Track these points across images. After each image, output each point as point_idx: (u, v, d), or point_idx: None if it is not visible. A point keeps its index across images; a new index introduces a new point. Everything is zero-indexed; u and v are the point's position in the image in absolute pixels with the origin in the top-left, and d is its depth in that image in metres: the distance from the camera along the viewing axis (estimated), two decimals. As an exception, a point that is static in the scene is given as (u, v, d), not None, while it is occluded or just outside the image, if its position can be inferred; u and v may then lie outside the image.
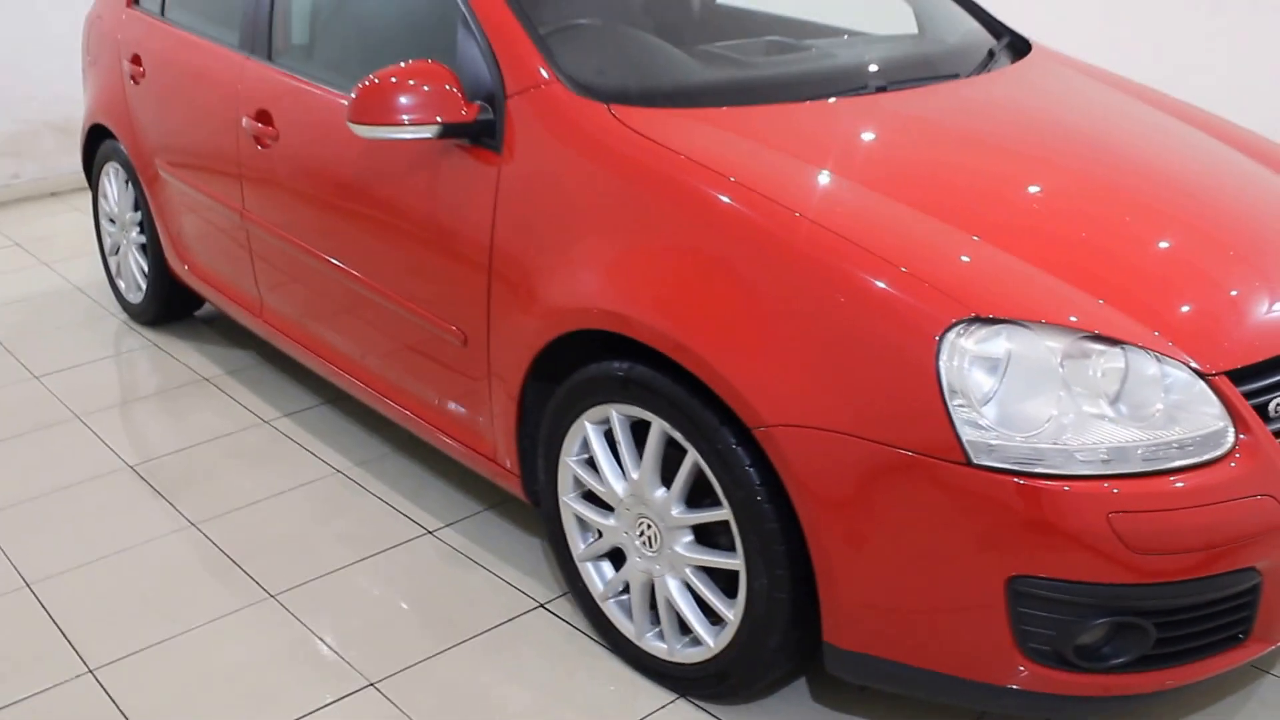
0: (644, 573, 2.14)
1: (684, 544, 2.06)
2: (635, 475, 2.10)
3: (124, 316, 4.11)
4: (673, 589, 2.10)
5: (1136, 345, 1.74)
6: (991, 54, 2.71)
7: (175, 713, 2.17)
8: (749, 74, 2.51)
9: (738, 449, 1.89)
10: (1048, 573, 1.69)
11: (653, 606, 2.18)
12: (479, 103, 2.28)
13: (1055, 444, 1.69)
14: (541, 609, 2.44)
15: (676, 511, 2.04)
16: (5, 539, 2.76)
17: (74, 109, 5.63)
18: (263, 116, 2.93)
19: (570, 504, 2.26)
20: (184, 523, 2.80)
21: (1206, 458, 1.71)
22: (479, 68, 2.31)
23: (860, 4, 3.14)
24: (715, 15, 3.24)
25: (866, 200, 1.96)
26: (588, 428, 2.16)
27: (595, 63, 2.37)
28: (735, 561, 1.97)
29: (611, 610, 2.26)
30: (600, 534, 2.24)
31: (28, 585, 2.58)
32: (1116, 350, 1.73)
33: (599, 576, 2.28)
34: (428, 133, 2.27)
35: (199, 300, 3.97)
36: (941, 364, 1.70)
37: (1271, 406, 1.79)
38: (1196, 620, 1.76)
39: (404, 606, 2.46)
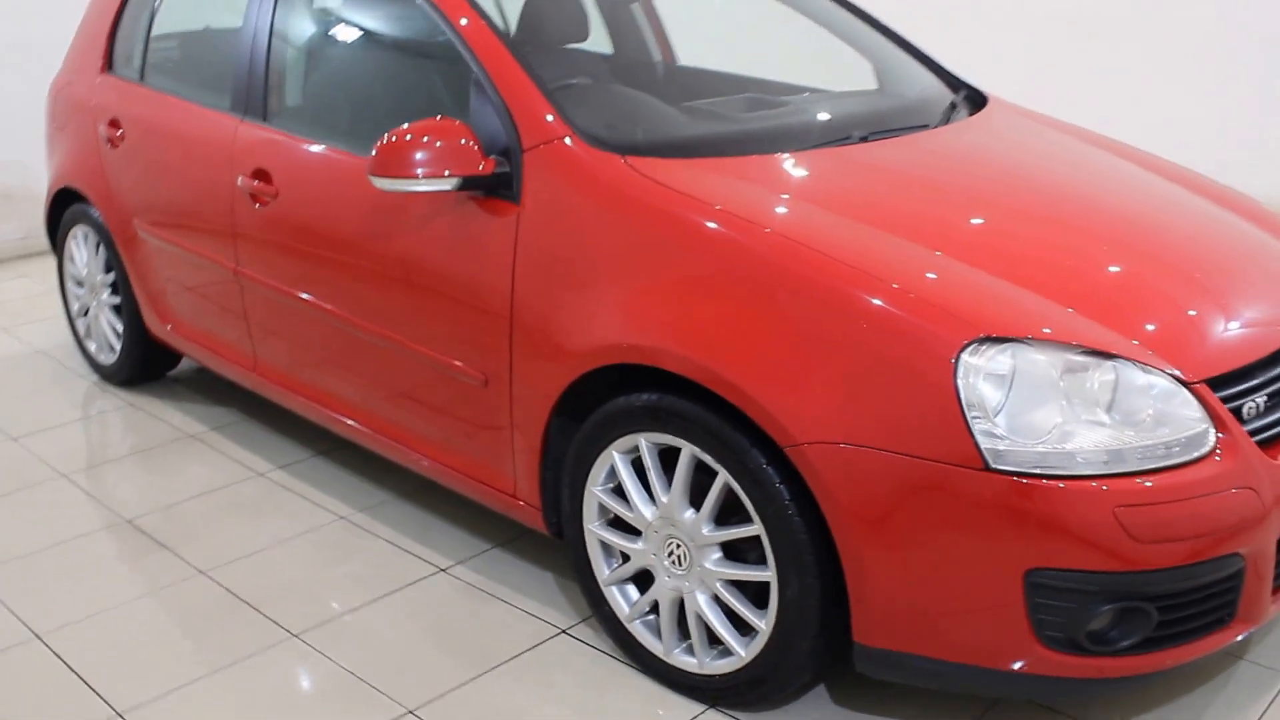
0: (674, 590, 2.28)
1: (713, 560, 2.20)
2: (665, 499, 2.24)
3: (94, 378, 4.12)
4: (702, 603, 2.23)
5: (1126, 358, 1.95)
6: (954, 105, 2.96)
7: (220, 750, 2.23)
8: (745, 127, 2.71)
9: (768, 468, 2.04)
10: (1062, 564, 1.87)
11: (679, 623, 2.31)
12: (495, 156, 2.43)
13: (1060, 449, 1.88)
14: (564, 635, 2.55)
15: (707, 530, 2.19)
16: (6, 594, 2.77)
17: (13, 176, 5.62)
18: (260, 175, 3.03)
19: (596, 531, 2.39)
20: (192, 571, 2.85)
21: (1192, 456, 1.92)
22: (493, 124, 2.46)
23: (825, 62, 3.39)
24: (689, 75, 3.46)
25: (873, 236, 2.16)
26: (615, 457, 2.29)
27: (601, 118, 2.54)
28: (767, 573, 2.11)
29: (638, 630, 2.38)
30: (624, 559, 2.37)
31: (38, 637, 2.60)
32: (1109, 364, 1.94)
33: (624, 599, 2.40)
34: (447, 185, 2.41)
35: (174, 360, 4.02)
36: (959, 381, 1.89)
37: (1245, 410, 2.01)
38: (1191, 603, 1.96)
39: (429, 639, 2.55)
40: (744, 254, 2.10)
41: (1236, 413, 2.00)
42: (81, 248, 4.02)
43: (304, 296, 2.96)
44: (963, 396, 1.89)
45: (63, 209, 4.09)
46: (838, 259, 2.05)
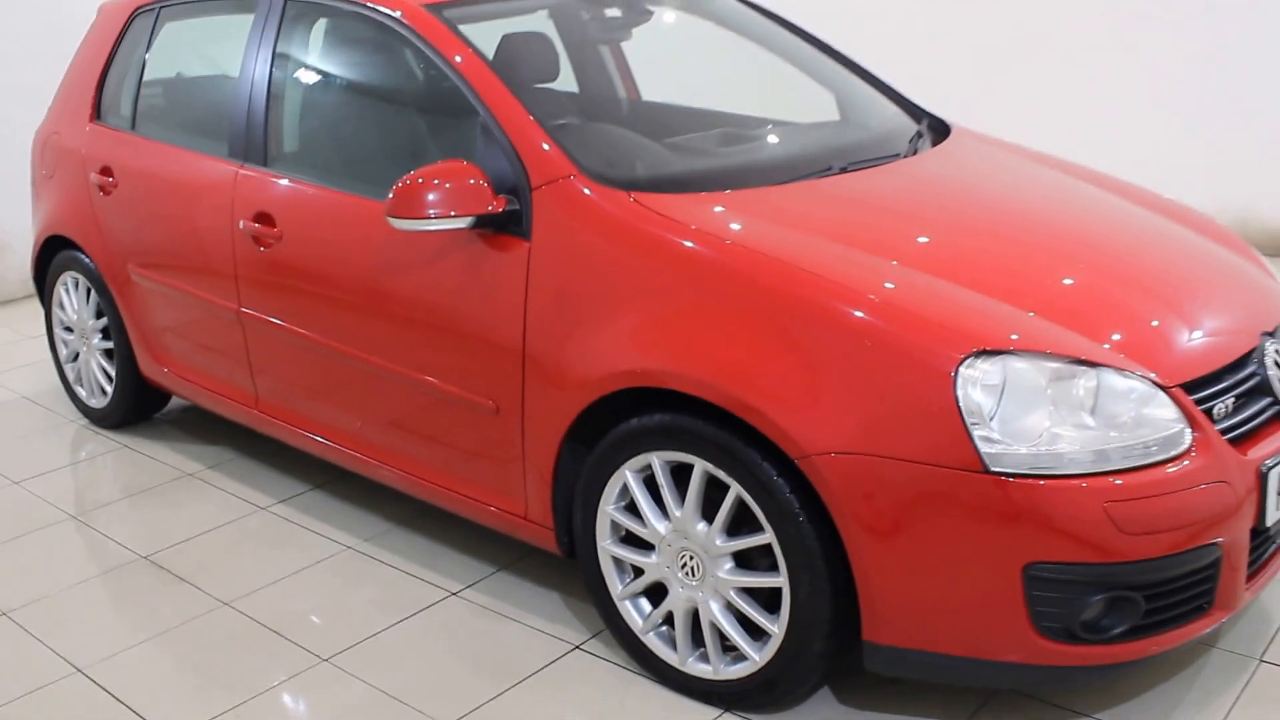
0: (688, 601, 2.41)
1: (726, 569, 2.34)
2: (678, 513, 2.37)
3: (83, 422, 4.18)
4: (716, 611, 2.36)
5: (1107, 366, 2.12)
6: (920, 134, 3.14)
7: (260, 771, 2.32)
8: (737, 161, 2.87)
9: (779, 479, 2.19)
10: (1057, 557, 2.03)
11: (693, 632, 2.44)
12: (505, 195, 2.57)
13: (1051, 450, 2.05)
14: (578, 650, 2.66)
15: (720, 541, 2.32)
16: (40, 631, 2.84)
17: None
18: (262, 218, 3.14)
19: (609, 548, 2.51)
20: (216, 602, 2.93)
21: (1170, 454, 2.09)
22: (501, 164, 2.60)
23: (786, 94, 3.56)
24: (661, 112, 3.62)
25: (869, 260, 2.32)
26: (628, 476, 2.42)
27: (601, 156, 2.69)
28: (778, 579, 2.25)
29: (652, 642, 2.50)
30: (636, 573, 2.50)
31: (80, 670, 2.67)
32: (1091, 371, 2.11)
33: (638, 612, 2.52)
34: (462, 224, 2.54)
35: (162, 402, 4.09)
36: (958, 391, 2.05)
37: (1216, 410, 2.19)
38: (1174, 591, 2.12)
39: (452, 659, 2.66)
40: (752, 281, 2.25)
41: (1208, 413, 2.18)
42: (71, 294, 4.08)
43: (310, 333, 3.06)
44: (962, 405, 2.05)
45: (50, 256, 4.15)
46: (840, 283, 2.21)
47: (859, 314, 2.16)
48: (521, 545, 3.04)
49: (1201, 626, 2.20)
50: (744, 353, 2.21)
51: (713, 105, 3.54)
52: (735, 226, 2.41)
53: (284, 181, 3.13)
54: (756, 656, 2.33)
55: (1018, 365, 2.09)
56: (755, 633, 2.35)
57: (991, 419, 2.06)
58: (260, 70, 3.25)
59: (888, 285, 2.22)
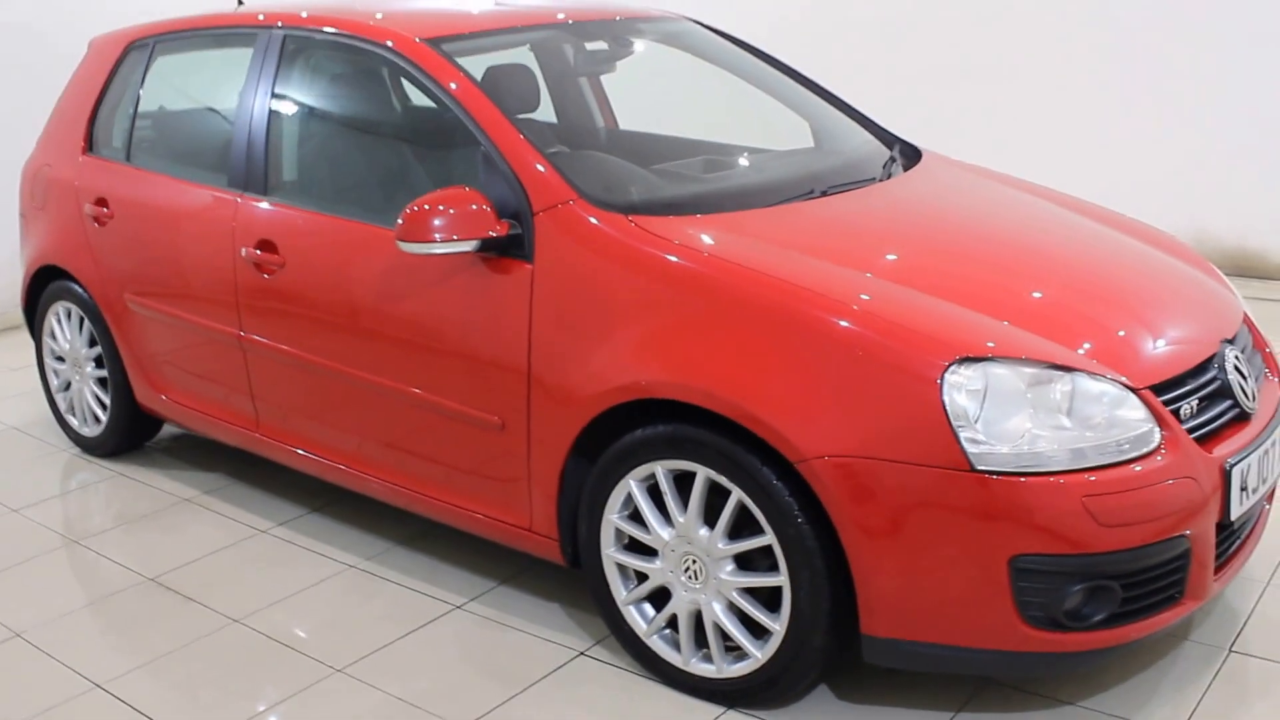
0: (691, 603, 2.52)
1: (728, 571, 2.46)
2: (681, 519, 2.49)
3: (74, 450, 4.23)
4: (719, 612, 2.48)
5: (1081, 371, 2.28)
6: (893, 159, 3.31)
7: (283, 776, 2.41)
8: (726, 186, 3.02)
9: (779, 483, 2.32)
10: (1040, 550, 2.18)
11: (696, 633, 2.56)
12: (507, 220, 2.69)
13: (1032, 449, 2.20)
14: (583, 656, 2.77)
15: (722, 544, 2.45)
16: (55, 650, 2.91)
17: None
18: (265, 246, 3.24)
19: (613, 556, 2.63)
20: (226, 620, 3.01)
21: (1141, 452, 2.25)
22: (503, 190, 2.73)
23: (763, 121, 3.73)
24: (642, 140, 3.77)
25: (858, 276, 2.48)
26: (632, 485, 2.54)
27: (597, 181, 2.82)
28: (779, 579, 2.38)
29: (656, 644, 2.62)
30: (640, 579, 2.61)
31: (99, 686, 2.74)
32: (1067, 376, 2.27)
33: (642, 617, 2.64)
34: (467, 247, 2.66)
35: (155, 429, 4.15)
36: (944, 396, 2.20)
37: (1182, 411, 2.36)
38: (1148, 581, 2.27)
39: (462, 667, 2.75)
40: (751, 297, 2.39)
41: (1175, 414, 2.34)
42: (63, 324, 4.14)
43: (315, 356, 3.16)
44: (948, 409, 2.19)
45: (40, 287, 4.21)
46: (831, 297, 2.35)
47: (849, 326, 2.30)
48: (522, 560, 3.15)
49: (1174, 615, 2.35)
50: (744, 364, 2.35)
51: (690, 134, 3.69)
52: (730, 246, 2.55)
53: (286, 210, 3.23)
54: (759, 654, 2.45)
55: (998, 371, 2.24)
56: (756, 631, 2.47)
57: (976, 421, 2.20)
58: (260, 102, 3.36)
59: (875, 299, 2.37)
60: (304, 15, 3.40)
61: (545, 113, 3.80)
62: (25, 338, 4.54)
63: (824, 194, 2.94)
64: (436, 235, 2.65)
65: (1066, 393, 2.26)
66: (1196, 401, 2.41)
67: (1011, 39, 5.95)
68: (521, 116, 3.42)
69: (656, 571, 2.57)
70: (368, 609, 3.03)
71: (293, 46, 3.37)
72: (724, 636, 2.51)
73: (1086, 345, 2.39)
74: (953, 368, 2.22)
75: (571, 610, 2.95)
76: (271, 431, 3.45)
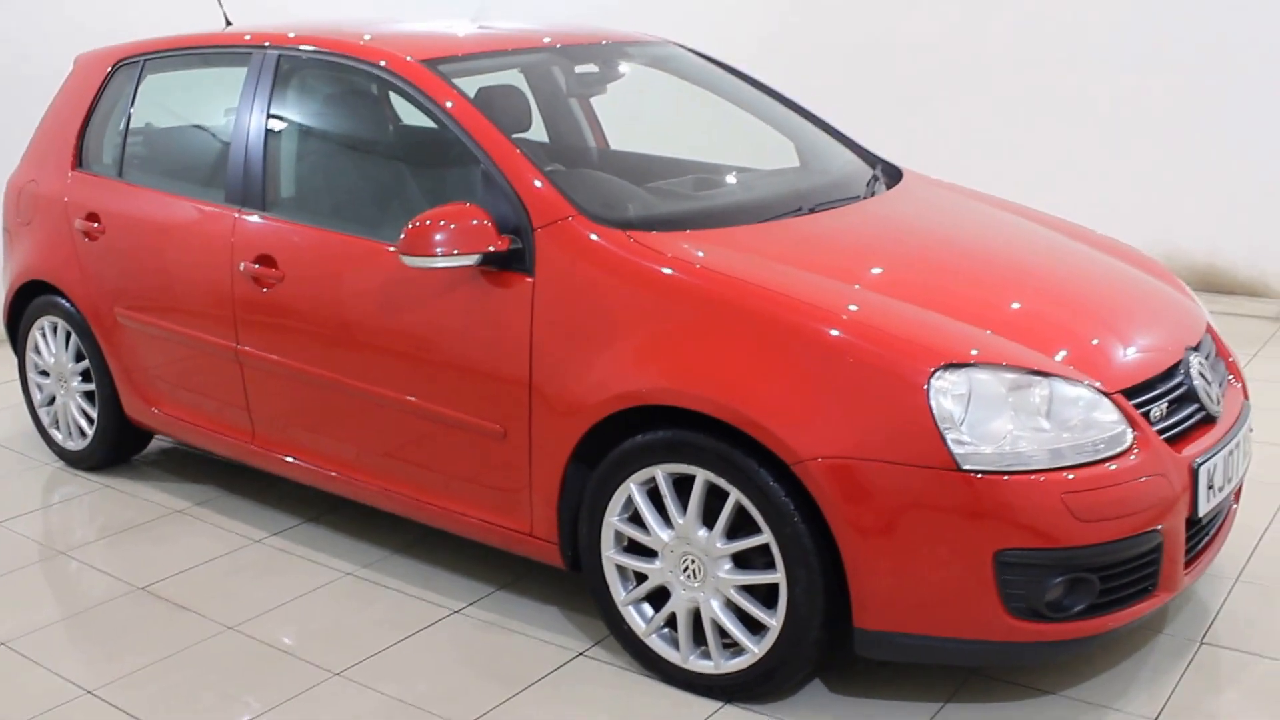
0: (690, 602, 2.62)
1: (726, 570, 2.56)
2: (680, 521, 2.59)
3: (58, 464, 4.24)
4: (717, 609, 2.58)
5: (1058, 376, 2.41)
6: (875, 178, 3.45)
7: (294, 774, 2.46)
8: (719, 203, 3.14)
9: (775, 484, 2.43)
10: (1023, 544, 2.30)
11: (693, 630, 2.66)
12: (508, 235, 2.79)
13: (1014, 450, 2.32)
14: (583, 656, 2.85)
15: (721, 544, 2.55)
16: (44, 658, 2.94)
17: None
18: (264, 260, 3.31)
19: (613, 558, 2.72)
20: (221, 627, 3.05)
21: (1115, 451, 2.39)
22: (503, 206, 2.82)
23: (750, 141, 3.86)
24: (634, 160, 3.88)
25: (847, 288, 2.60)
26: (633, 488, 2.64)
27: (594, 198, 2.92)
28: (776, 576, 2.48)
29: (655, 643, 2.71)
30: (639, 580, 2.71)
31: (90, 693, 2.78)
32: (1045, 381, 2.40)
33: (640, 616, 2.73)
34: (470, 261, 2.76)
35: (143, 443, 4.19)
36: (931, 401, 2.32)
37: (1152, 414, 2.50)
38: (1124, 573, 2.41)
39: (461, 669, 2.83)
40: (746, 308, 2.51)
41: (1146, 416, 2.48)
42: (49, 338, 4.17)
43: (315, 368, 3.23)
44: (935, 412, 2.32)
45: (24, 302, 4.24)
46: (822, 307, 2.48)
47: (840, 335, 2.42)
48: (519, 565, 3.23)
49: (1149, 606, 2.48)
50: (741, 372, 2.46)
51: (679, 154, 3.81)
52: (725, 259, 2.66)
53: (285, 225, 3.30)
54: (756, 649, 2.55)
55: (981, 376, 2.37)
56: (753, 628, 2.57)
57: (961, 424, 2.33)
58: (257, 120, 3.44)
59: (864, 309, 2.50)
60: (291, 35, 3.49)
61: (536, 133, 3.92)
62: (5, 353, 4.56)
63: (811, 211, 3.07)
64: (438, 249, 2.74)
65: (1045, 397, 2.39)
66: (1165, 405, 2.55)
67: (987, 63, 6.15)
68: (515, 136, 3.53)
69: (656, 572, 2.66)
70: (365, 615, 3.10)
71: (287, 66, 3.45)
72: (722, 633, 2.61)
73: (1063, 353, 2.52)
74: (938, 373, 2.35)
75: (569, 613, 3.04)
76: (267, 442, 3.50)
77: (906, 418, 2.34)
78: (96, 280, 3.90)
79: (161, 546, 3.55)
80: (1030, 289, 2.81)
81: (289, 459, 3.44)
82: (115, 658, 2.93)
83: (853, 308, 2.50)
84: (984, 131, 6.20)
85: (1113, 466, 2.37)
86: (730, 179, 3.49)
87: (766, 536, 2.47)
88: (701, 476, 2.54)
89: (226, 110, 3.63)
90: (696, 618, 2.64)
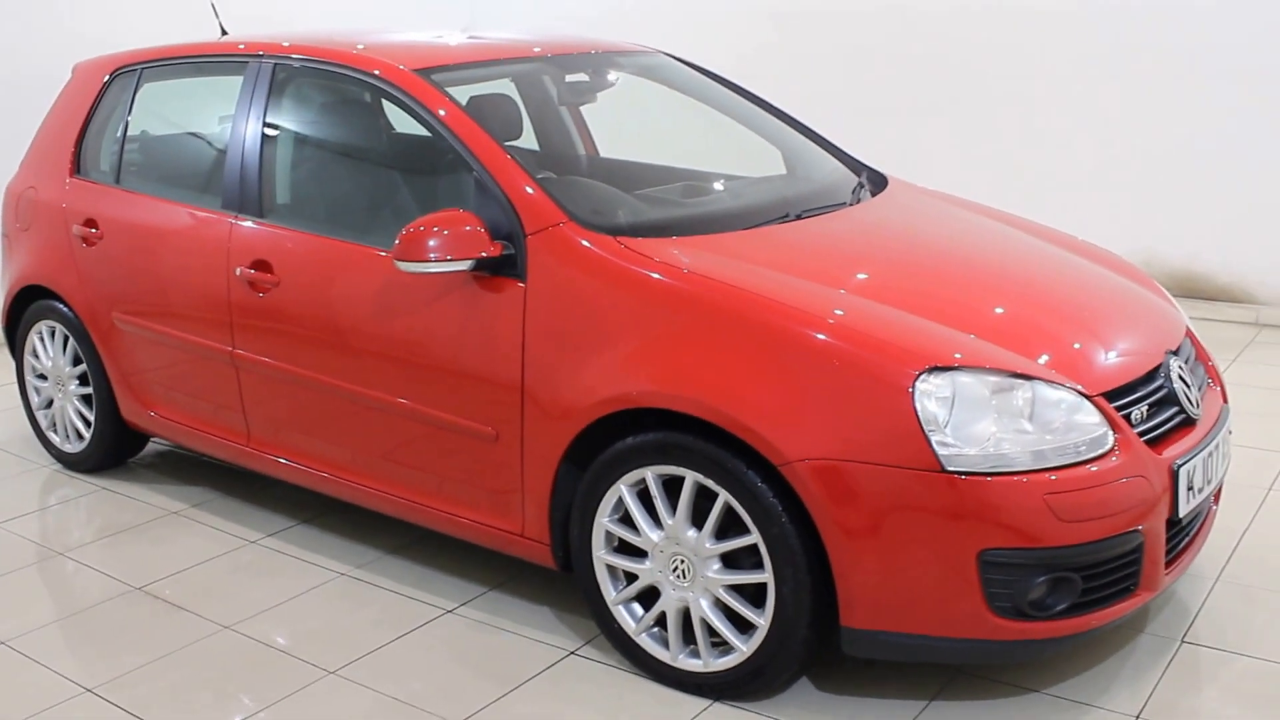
0: (679, 601, 2.67)
1: (715, 570, 2.61)
2: (670, 521, 2.64)
3: (56, 467, 4.28)
4: (706, 608, 2.63)
5: (1040, 379, 2.46)
6: (861, 185, 3.50)
7: (290, 771, 2.50)
8: (708, 209, 3.19)
9: (763, 485, 2.47)
10: (1006, 544, 2.35)
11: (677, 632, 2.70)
12: (500, 241, 2.84)
13: (998, 451, 2.37)
14: (574, 655, 2.90)
15: (710, 544, 2.59)
16: (43, 657, 2.97)
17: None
18: (260, 266, 3.35)
19: (604, 558, 2.77)
20: (217, 627, 3.09)
21: (1097, 453, 2.43)
22: (496, 213, 2.87)
23: (737, 149, 3.91)
24: (623, 167, 3.93)
25: (834, 293, 2.65)
26: (623, 490, 2.69)
27: (585, 205, 2.97)
28: (764, 576, 2.53)
29: (645, 642, 2.75)
30: (629, 580, 2.75)
31: (89, 690, 2.81)
32: (1028, 384, 2.45)
33: (631, 616, 2.77)
34: (461, 266, 2.80)
35: (139, 446, 4.22)
36: (916, 403, 2.37)
37: (1133, 416, 2.55)
38: (1106, 573, 2.46)
39: (454, 667, 2.87)
40: (735, 313, 2.56)
41: (1127, 419, 2.53)
42: (47, 342, 4.21)
43: (309, 371, 3.27)
44: (920, 415, 2.37)
45: (22, 307, 4.28)
46: (810, 312, 2.52)
47: (826, 338, 2.47)
48: (511, 566, 3.27)
49: (1130, 605, 2.53)
50: (730, 375, 2.51)
51: (668, 162, 3.86)
52: (714, 265, 2.71)
53: (281, 231, 3.35)
54: (744, 647, 2.59)
55: (965, 380, 2.42)
56: (742, 626, 2.62)
57: (946, 426, 2.38)
58: (253, 127, 3.48)
59: (850, 313, 2.55)
60: (286, 45, 3.53)
61: (527, 141, 3.96)
62: (3, 357, 4.59)
63: (798, 217, 3.12)
64: (432, 255, 2.78)
65: (1028, 399, 2.44)
66: (1146, 407, 2.61)
67: (969, 72, 6.22)
68: (507, 144, 3.57)
69: (646, 572, 2.71)
70: (359, 614, 3.14)
71: (283, 75, 3.50)
72: (711, 632, 2.65)
73: (1045, 356, 2.57)
74: (923, 376, 2.40)
75: (561, 613, 3.08)
76: (263, 444, 3.54)
77: (892, 420, 2.38)
78: (94, 285, 3.94)
79: (158, 547, 3.59)
80: (1013, 294, 2.87)
81: (284, 461, 3.48)
82: (113, 657, 2.96)
83: (839, 312, 2.55)
84: (967, 140, 6.27)
85: (1094, 468, 2.42)
86: (718, 186, 3.55)
87: (755, 537, 2.52)
88: (691, 478, 2.58)
89: (222, 118, 3.68)
90: (686, 617, 2.68)
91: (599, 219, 2.89)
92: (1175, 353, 2.81)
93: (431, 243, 2.78)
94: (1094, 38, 5.86)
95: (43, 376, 4.27)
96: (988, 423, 2.40)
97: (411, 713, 2.68)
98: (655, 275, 2.68)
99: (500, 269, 2.85)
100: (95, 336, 3.96)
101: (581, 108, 4.15)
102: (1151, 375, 2.68)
